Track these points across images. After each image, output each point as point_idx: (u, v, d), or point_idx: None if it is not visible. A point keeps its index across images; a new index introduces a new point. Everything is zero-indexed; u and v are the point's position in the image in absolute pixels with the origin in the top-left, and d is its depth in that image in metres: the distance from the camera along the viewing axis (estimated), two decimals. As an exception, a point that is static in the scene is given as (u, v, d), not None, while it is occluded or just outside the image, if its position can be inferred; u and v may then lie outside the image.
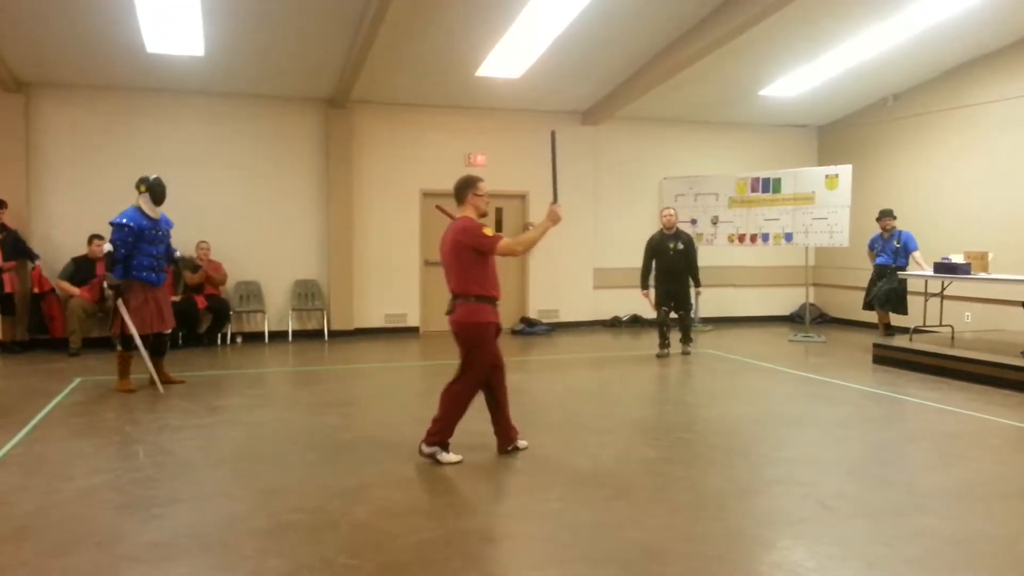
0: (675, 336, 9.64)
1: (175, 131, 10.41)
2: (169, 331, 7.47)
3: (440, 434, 4.95)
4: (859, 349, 9.70)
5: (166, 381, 7.39)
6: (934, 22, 8.95)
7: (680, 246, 9.43)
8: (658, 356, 9.38)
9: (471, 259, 4.88)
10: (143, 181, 7.21)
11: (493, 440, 5.31)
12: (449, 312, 4.97)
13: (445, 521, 3.98)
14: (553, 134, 5.29)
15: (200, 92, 10.41)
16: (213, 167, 10.55)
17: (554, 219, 5.04)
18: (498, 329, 5.10)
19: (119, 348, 7.19)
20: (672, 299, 9.45)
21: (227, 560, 3.52)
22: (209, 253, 10.25)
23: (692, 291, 9.68)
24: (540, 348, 10.26)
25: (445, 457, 4.94)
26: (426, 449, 4.96)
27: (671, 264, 9.41)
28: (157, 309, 7.23)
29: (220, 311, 10.20)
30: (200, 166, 10.43)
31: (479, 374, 4.98)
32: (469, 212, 5.03)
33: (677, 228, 9.61)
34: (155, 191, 7.20)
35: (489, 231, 4.90)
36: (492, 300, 4.95)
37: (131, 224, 7.00)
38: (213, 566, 3.47)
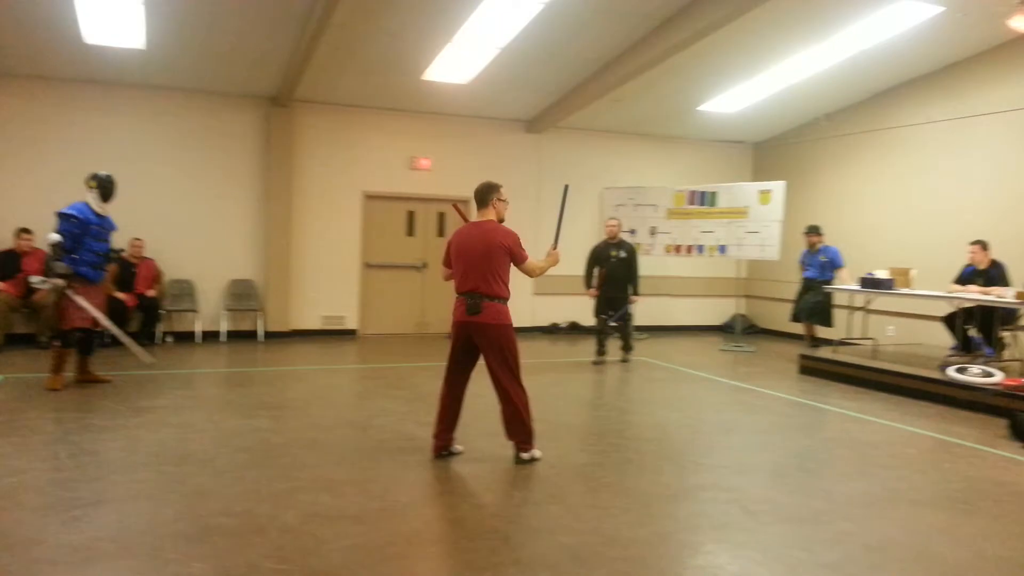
0: (613, 344, 9.84)
1: (112, 124, 10.14)
2: (100, 330, 7.29)
3: (531, 437, 5.14)
4: (786, 359, 9.99)
5: (92, 380, 7.22)
6: (865, 47, 9.30)
7: (622, 255, 9.63)
8: (594, 363, 9.53)
9: (504, 262, 5.03)
10: (94, 177, 7.05)
11: (425, 443, 5.33)
12: (474, 312, 4.96)
13: (376, 526, 3.97)
14: (566, 187, 5.66)
15: (139, 85, 10.17)
16: (149, 162, 10.30)
17: (554, 261, 5.40)
18: None
19: (57, 343, 7.01)
20: (611, 307, 9.64)
21: (150, 564, 3.45)
22: (142, 250, 10.02)
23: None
24: (478, 353, 10.26)
25: (538, 453, 5.17)
26: (524, 456, 5.12)
27: (612, 272, 9.62)
28: (94, 306, 7.06)
29: (151, 310, 9.96)
30: (136, 161, 10.17)
31: (519, 370, 5.13)
32: (491, 216, 5.14)
33: (621, 238, 9.82)
34: (105, 188, 7.04)
35: None
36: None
37: (79, 216, 6.85)
38: (135, 570, 3.39)
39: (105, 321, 7.02)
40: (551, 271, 5.49)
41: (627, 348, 9.84)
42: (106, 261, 7.25)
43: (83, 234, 6.87)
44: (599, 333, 9.69)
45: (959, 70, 10.05)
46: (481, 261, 4.98)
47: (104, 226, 7.11)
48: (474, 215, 5.29)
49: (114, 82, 10.03)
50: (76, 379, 7.22)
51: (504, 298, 5.02)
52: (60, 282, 6.79)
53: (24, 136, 9.75)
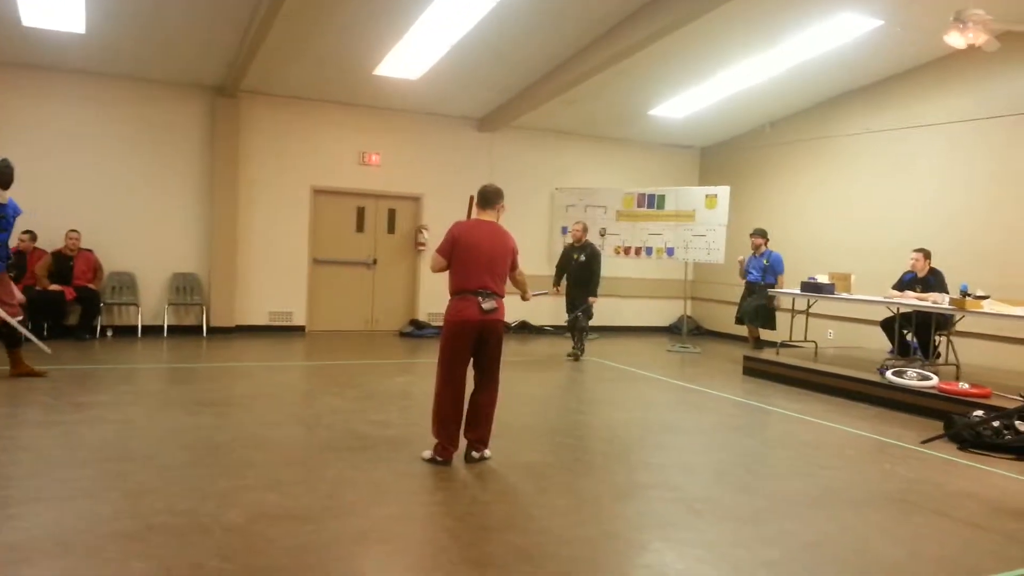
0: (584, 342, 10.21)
1: (50, 111, 9.84)
2: (18, 319, 7.06)
3: (489, 435, 5.21)
4: (730, 361, 10.17)
5: (27, 373, 7.01)
6: (807, 57, 9.55)
7: (582, 258, 9.99)
8: (568, 356, 10.08)
9: (508, 264, 5.16)
10: None
11: (377, 442, 5.29)
12: (492, 310, 4.97)
13: (323, 524, 3.92)
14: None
15: (79, 71, 9.87)
16: (89, 151, 10.02)
17: (524, 295, 5.62)
18: None
19: None
20: (571, 306, 10.10)
21: (88, 563, 3.35)
22: (79, 242, 9.74)
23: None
24: (428, 351, 10.23)
25: (488, 452, 5.20)
26: (476, 454, 5.13)
27: (572, 274, 10.05)
28: None
29: (89, 303, 9.69)
30: (75, 149, 9.91)
31: None
32: (494, 218, 5.21)
33: (586, 240, 10.14)
34: (2, 175, 6.75)
35: None
36: None
37: None
38: (74, 570, 3.29)
39: (2, 313, 6.79)
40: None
41: (577, 346, 10.12)
42: (6, 251, 6.99)
43: None
44: (570, 331, 10.25)
45: (900, 82, 10.37)
46: (494, 260, 5.04)
47: (4, 214, 6.85)
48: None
49: (53, 67, 9.72)
50: (11, 373, 7.01)
51: (504, 296, 5.12)
52: None
53: (-44, 120, 9.39)
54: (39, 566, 3.31)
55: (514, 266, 5.22)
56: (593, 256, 10.04)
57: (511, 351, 10.69)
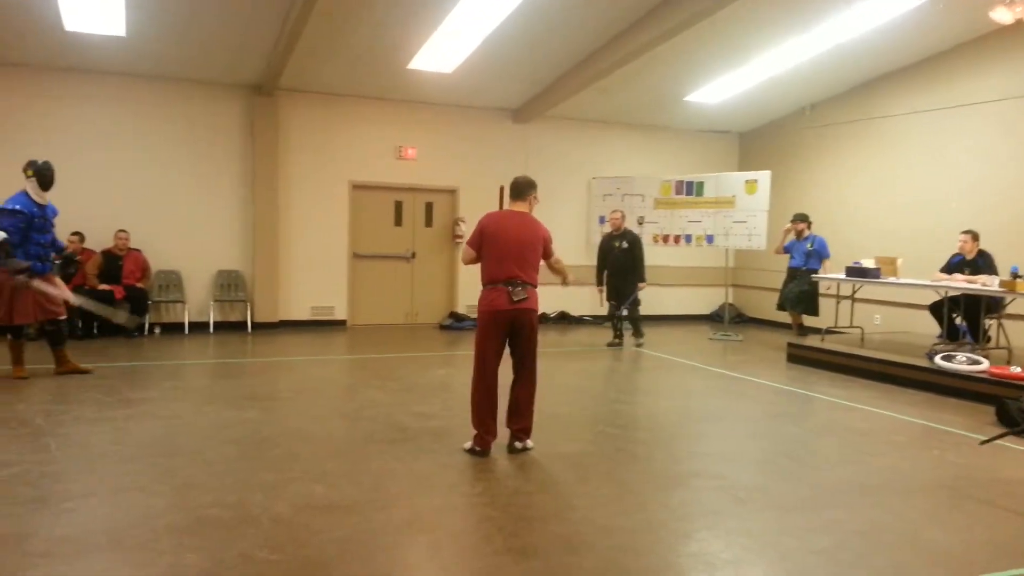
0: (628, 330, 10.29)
1: (93, 114, 10.04)
2: (62, 319, 7.22)
3: (531, 425, 5.23)
4: (774, 348, 10.04)
5: (72, 371, 7.23)
6: (848, 38, 9.33)
7: (624, 245, 10.04)
8: (608, 345, 10.11)
9: (540, 253, 5.17)
10: (31, 165, 6.90)
11: (419, 434, 5.34)
12: (522, 299, 5.00)
13: (368, 516, 3.97)
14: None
15: (120, 74, 10.06)
16: (133, 152, 10.22)
17: (564, 280, 5.67)
18: None
19: (8, 336, 7.05)
20: (617, 294, 10.11)
21: (143, 556, 3.43)
22: (128, 242, 9.95)
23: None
24: (468, 343, 10.25)
25: (531, 443, 5.21)
26: (519, 445, 5.16)
27: (615, 262, 10.09)
28: (44, 297, 7.01)
29: (138, 301, 9.90)
30: (119, 151, 10.11)
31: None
32: (525, 208, 5.23)
33: (624, 228, 10.21)
34: (43, 176, 6.90)
35: None
36: None
37: (24, 211, 6.75)
38: (129, 562, 3.37)
39: (76, 299, 7.00)
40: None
41: (637, 333, 10.25)
42: (52, 250, 7.15)
43: (28, 228, 6.78)
44: (612, 319, 10.28)
45: (943, 60, 10.10)
46: (524, 250, 5.05)
47: (45, 215, 7.01)
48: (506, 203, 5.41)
49: (95, 70, 9.91)
50: (56, 371, 7.22)
51: (536, 285, 5.13)
52: (20, 278, 6.72)
53: (2, 126, 9.62)
54: (95, 559, 3.39)
55: (548, 254, 5.22)
56: (634, 242, 10.09)
57: (551, 341, 10.70)
